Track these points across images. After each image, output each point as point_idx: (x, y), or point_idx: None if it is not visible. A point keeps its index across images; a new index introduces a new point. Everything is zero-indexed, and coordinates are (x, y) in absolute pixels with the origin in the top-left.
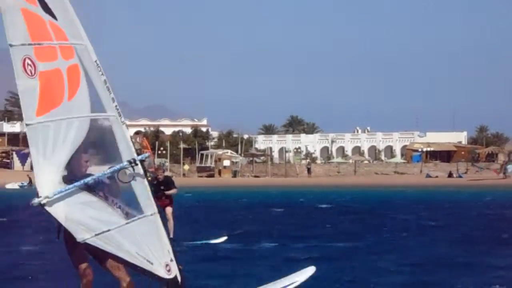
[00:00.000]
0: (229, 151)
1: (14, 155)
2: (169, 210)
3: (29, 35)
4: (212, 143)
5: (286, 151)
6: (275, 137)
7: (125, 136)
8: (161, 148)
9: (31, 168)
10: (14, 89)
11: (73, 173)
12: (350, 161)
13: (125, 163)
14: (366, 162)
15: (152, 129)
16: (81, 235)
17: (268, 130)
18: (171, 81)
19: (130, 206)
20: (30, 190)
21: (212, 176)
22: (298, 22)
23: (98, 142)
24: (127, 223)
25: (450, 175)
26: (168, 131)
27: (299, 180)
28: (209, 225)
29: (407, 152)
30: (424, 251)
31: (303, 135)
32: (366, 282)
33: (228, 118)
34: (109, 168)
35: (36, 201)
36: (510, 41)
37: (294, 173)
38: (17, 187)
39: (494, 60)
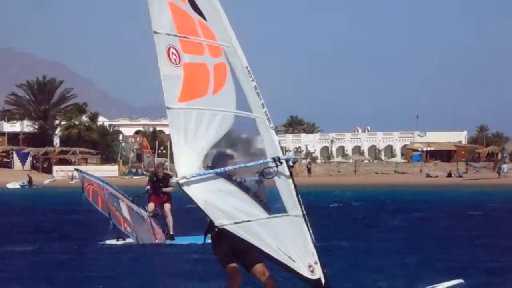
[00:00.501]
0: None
1: (14, 155)
2: (167, 206)
3: (175, 27)
4: None
5: (286, 151)
6: None
7: (272, 140)
8: (161, 148)
9: (31, 167)
10: (15, 90)
11: (215, 164)
12: (350, 160)
13: (269, 159)
14: (366, 161)
15: (150, 129)
16: (220, 221)
17: None
18: None
19: (273, 203)
20: (30, 189)
21: None
22: (298, 21)
23: (244, 143)
24: (268, 218)
25: (449, 174)
26: (168, 130)
27: (299, 180)
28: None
29: (407, 151)
30: (422, 252)
31: (303, 135)
32: (366, 281)
33: None
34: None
35: (174, 180)
36: (511, 40)
37: (294, 173)
38: (18, 186)
39: (494, 60)
